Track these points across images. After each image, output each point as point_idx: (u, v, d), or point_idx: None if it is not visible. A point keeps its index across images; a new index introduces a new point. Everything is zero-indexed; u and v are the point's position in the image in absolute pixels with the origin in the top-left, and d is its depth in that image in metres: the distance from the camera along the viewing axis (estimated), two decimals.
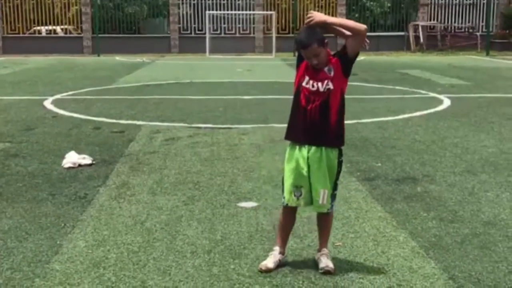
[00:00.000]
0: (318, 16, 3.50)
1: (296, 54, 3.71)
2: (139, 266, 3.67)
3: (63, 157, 6.39)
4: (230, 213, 4.67)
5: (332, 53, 3.58)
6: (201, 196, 5.13)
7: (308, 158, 3.55)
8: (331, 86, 3.51)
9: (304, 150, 3.56)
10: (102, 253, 3.88)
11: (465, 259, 3.78)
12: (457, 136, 7.79)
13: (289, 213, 3.71)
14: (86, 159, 6.34)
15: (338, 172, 3.65)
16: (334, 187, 3.65)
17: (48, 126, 8.64)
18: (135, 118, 9.24)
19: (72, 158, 6.29)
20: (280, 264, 3.63)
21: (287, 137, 3.70)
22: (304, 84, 3.55)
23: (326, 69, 3.52)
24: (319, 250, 3.72)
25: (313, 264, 3.67)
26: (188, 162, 6.38)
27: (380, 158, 6.53)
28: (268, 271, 3.56)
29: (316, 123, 3.52)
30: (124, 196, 5.17)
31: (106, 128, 8.42)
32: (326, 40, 3.47)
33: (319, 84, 3.51)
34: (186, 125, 8.66)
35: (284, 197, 3.64)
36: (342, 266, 3.64)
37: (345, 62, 3.54)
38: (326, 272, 3.54)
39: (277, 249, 3.69)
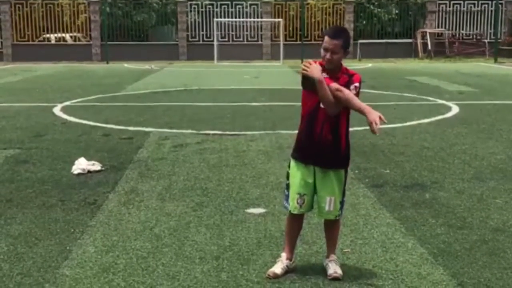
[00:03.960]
0: (315, 71, 3.46)
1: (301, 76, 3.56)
2: (148, 272, 3.69)
3: (72, 164, 6.43)
4: (239, 219, 4.68)
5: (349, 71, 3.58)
6: (210, 202, 5.15)
7: (314, 170, 3.58)
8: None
9: (311, 167, 3.59)
10: (111, 258, 3.90)
11: (474, 265, 3.77)
12: (466, 143, 7.77)
13: (296, 219, 3.73)
14: (96, 166, 6.38)
15: (345, 178, 3.66)
16: (342, 194, 3.65)
17: (57, 133, 8.69)
18: (144, 125, 9.29)
19: (81, 165, 6.33)
20: (288, 270, 3.64)
21: (295, 156, 3.66)
22: (321, 105, 3.49)
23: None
24: (327, 257, 3.72)
25: (322, 270, 3.68)
26: (196, 169, 6.40)
27: (389, 165, 6.53)
28: (275, 277, 3.57)
29: (327, 148, 3.53)
30: (133, 202, 5.19)
31: (115, 135, 8.46)
32: (349, 49, 3.53)
33: None
34: (194, 131, 8.69)
35: (289, 204, 3.65)
36: (351, 273, 3.65)
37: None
38: (335, 279, 3.54)
39: (284, 255, 3.70)
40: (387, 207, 5.01)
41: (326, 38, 3.50)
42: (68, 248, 4.10)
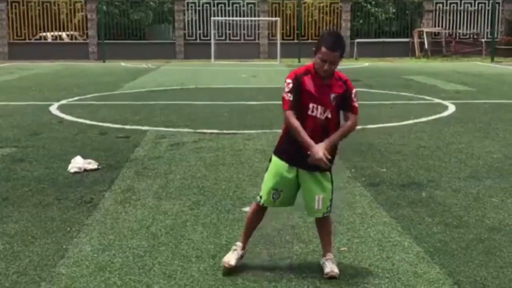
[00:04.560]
0: (320, 150, 3.40)
1: (291, 83, 3.46)
2: (145, 270, 3.69)
3: (69, 162, 6.42)
4: (235, 218, 4.68)
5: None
6: (206, 201, 5.15)
7: (298, 170, 3.59)
8: (329, 115, 3.52)
9: (295, 168, 3.59)
10: (108, 257, 3.90)
11: (470, 264, 3.78)
12: (462, 141, 7.78)
13: (261, 211, 3.76)
14: (92, 164, 6.37)
15: (331, 177, 3.68)
16: (331, 192, 3.67)
17: (54, 131, 8.68)
18: (141, 124, 9.28)
19: (78, 163, 6.32)
20: (241, 259, 3.68)
21: (279, 155, 3.64)
22: (310, 113, 3.48)
23: (332, 96, 3.50)
24: (324, 255, 3.72)
25: (318, 269, 3.68)
26: (193, 167, 6.40)
27: (385, 164, 6.53)
28: (230, 267, 3.61)
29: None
30: (130, 200, 5.19)
31: (111, 133, 8.45)
32: (344, 55, 3.52)
33: (323, 108, 3.49)
34: (191, 130, 8.69)
35: (261, 197, 3.67)
36: (347, 271, 3.65)
37: (342, 100, 3.54)
38: (331, 277, 3.54)
39: (240, 245, 3.74)
40: (383, 205, 5.01)
41: (325, 50, 3.40)
42: (64, 246, 4.09)
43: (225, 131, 8.53)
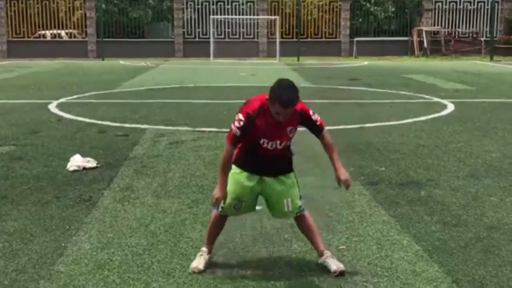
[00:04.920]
0: (344, 176, 3.64)
1: (243, 120, 3.44)
2: (144, 269, 3.69)
3: (68, 160, 6.41)
4: (234, 217, 4.67)
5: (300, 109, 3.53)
6: (205, 199, 5.14)
7: (260, 178, 3.62)
8: (288, 142, 3.59)
9: (257, 175, 3.62)
10: (107, 255, 3.90)
11: (469, 263, 3.78)
12: (461, 140, 7.79)
13: (223, 218, 3.78)
14: (91, 162, 6.37)
15: (294, 175, 3.72)
16: (298, 190, 3.71)
17: (53, 130, 8.67)
18: (139, 122, 9.27)
19: (77, 161, 6.32)
20: (209, 263, 3.70)
21: (238, 165, 3.62)
22: (262, 144, 3.52)
23: (288, 129, 3.52)
24: (321, 255, 3.70)
25: (317, 267, 3.68)
26: (192, 166, 6.40)
27: (384, 163, 6.54)
28: (200, 272, 3.61)
29: (274, 163, 3.59)
30: (129, 199, 5.19)
31: (110, 132, 8.45)
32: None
33: (277, 142, 3.53)
34: (190, 129, 8.68)
35: (222, 207, 3.67)
36: (346, 270, 3.64)
37: (307, 127, 3.62)
38: (341, 274, 3.55)
39: (205, 250, 3.77)
40: (382, 204, 5.02)
41: (279, 106, 3.35)
42: (63, 244, 4.09)
43: (224, 130, 8.51)
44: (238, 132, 3.44)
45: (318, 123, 3.60)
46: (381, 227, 4.44)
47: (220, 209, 3.70)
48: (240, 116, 3.45)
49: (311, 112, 3.60)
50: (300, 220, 3.76)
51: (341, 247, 4.02)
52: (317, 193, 5.24)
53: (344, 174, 3.63)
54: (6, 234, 4.31)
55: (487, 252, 3.95)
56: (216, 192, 3.56)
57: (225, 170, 3.55)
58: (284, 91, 3.36)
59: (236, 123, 3.45)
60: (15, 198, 5.21)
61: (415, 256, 3.88)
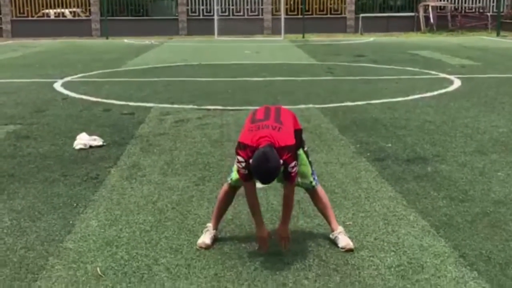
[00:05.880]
0: (285, 236, 3.55)
1: (244, 162, 3.41)
2: (152, 245, 3.71)
3: (74, 139, 6.43)
4: (240, 193, 4.67)
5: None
6: (212, 177, 5.16)
7: None
8: None
9: None
10: (115, 232, 3.92)
11: (476, 237, 3.78)
12: (468, 116, 7.75)
13: (231, 192, 3.78)
14: (97, 141, 6.38)
15: (305, 153, 3.70)
16: (310, 165, 3.72)
17: (58, 108, 8.68)
18: (145, 100, 9.26)
19: (83, 140, 6.33)
20: (215, 239, 3.72)
21: None
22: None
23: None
24: (332, 230, 3.74)
25: (324, 243, 3.70)
26: (198, 144, 6.40)
27: (390, 139, 6.52)
28: (208, 247, 3.63)
29: None
30: (136, 176, 5.20)
31: (116, 110, 8.45)
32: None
33: None
34: (195, 107, 8.67)
35: (231, 178, 3.69)
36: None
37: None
38: (348, 251, 3.57)
39: (210, 225, 3.78)
40: (388, 180, 5.01)
41: (260, 182, 3.39)
42: (71, 222, 4.12)
43: (229, 108, 8.51)
44: (246, 171, 3.45)
45: (292, 175, 3.48)
46: (388, 203, 4.44)
47: (230, 180, 3.71)
48: (240, 159, 3.44)
49: (288, 162, 3.43)
50: (312, 195, 3.79)
51: (348, 223, 4.03)
52: (323, 170, 5.25)
53: (285, 231, 3.56)
54: (14, 212, 4.34)
55: (494, 227, 3.96)
56: (257, 233, 3.57)
57: (255, 207, 3.57)
58: (261, 173, 3.31)
59: (239, 165, 3.46)
60: (22, 177, 5.24)
61: (422, 231, 3.88)
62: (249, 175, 3.46)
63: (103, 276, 3.30)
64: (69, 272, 3.36)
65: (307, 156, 3.75)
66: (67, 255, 3.58)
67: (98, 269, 3.38)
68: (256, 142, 3.37)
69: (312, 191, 3.78)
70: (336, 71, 13.27)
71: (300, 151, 3.68)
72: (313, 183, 3.74)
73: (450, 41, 23.34)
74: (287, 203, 3.59)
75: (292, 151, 3.41)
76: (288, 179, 3.49)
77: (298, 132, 3.64)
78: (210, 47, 21.87)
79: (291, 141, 3.43)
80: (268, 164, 3.25)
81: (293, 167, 3.43)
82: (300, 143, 3.66)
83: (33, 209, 4.39)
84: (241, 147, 3.45)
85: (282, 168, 3.38)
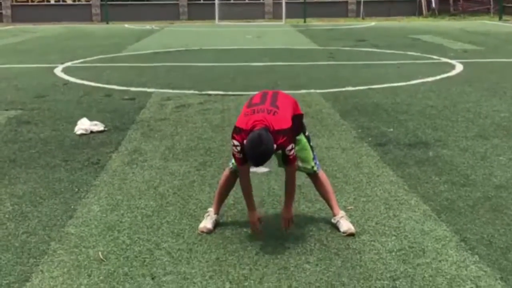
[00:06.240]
0: (288, 217, 3.57)
1: (239, 145, 3.41)
2: (153, 229, 3.72)
3: (75, 124, 6.42)
4: None
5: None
6: (213, 162, 5.15)
7: None
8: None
9: None
10: (116, 217, 3.93)
11: (477, 222, 3.79)
12: (470, 101, 7.73)
13: (233, 177, 3.77)
14: (98, 126, 6.37)
15: (306, 137, 3.70)
16: (312, 151, 3.72)
17: (59, 94, 8.66)
18: (146, 86, 9.24)
19: (84, 125, 6.32)
20: (217, 224, 3.73)
21: None
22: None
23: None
24: (334, 215, 3.74)
25: (325, 227, 3.70)
26: (199, 129, 6.39)
27: (392, 123, 6.50)
28: (209, 232, 3.65)
29: None
30: (137, 162, 5.20)
31: (117, 96, 8.43)
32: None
33: None
34: (196, 92, 8.65)
35: (233, 163, 3.68)
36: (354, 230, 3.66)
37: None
38: (350, 235, 3.58)
39: (212, 210, 3.79)
40: (390, 165, 5.01)
41: (252, 164, 3.41)
42: (72, 207, 4.12)
43: (230, 93, 8.49)
44: (241, 155, 3.45)
45: (290, 157, 3.47)
46: (389, 188, 4.44)
47: (231, 165, 3.72)
48: (235, 142, 3.43)
49: (285, 145, 3.42)
50: (314, 179, 3.79)
51: (349, 207, 4.03)
52: (324, 155, 5.24)
53: (288, 212, 3.58)
54: (15, 197, 4.35)
55: (495, 211, 3.96)
56: (249, 217, 3.58)
57: (248, 189, 3.57)
58: (254, 155, 3.29)
59: (235, 149, 3.46)
60: (23, 162, 5.24)
61: (423, 216, 3.89)
62: (244, 159, 3.45)
63: (105, 260, 3.31)
64: (71, 256, 3.37)
65: (309, 141, 3.74)
66: (69, 240, 3.59)
67: (100, 253, 3.39)
68: (251, 126, 3.36)
69: (314, 176, 3.79)
70: (338, 56, 13.21)
71: (301, 136, 3.67)
72: (315, 168, 3.74)
73: (452, 26, 23.21)
74: (289, 187, 3.59)
75: (287, 135, 3.40)
76: (287, 162, 3.49)
77: (299, 117, 3.63)
78: (211, 32, 21.77)
79: (286, 124, 3.41)
80: (261, 145, 3.24)
81: (290, 150, 3.42)
82: (301, 128, 3.65)
83: (35, 194, 4.40)
84: (237, 131, 3.45)
85: (280, 153, 3.41)
